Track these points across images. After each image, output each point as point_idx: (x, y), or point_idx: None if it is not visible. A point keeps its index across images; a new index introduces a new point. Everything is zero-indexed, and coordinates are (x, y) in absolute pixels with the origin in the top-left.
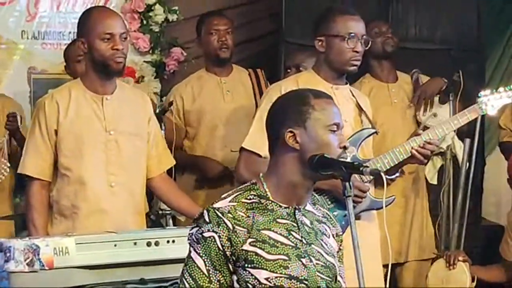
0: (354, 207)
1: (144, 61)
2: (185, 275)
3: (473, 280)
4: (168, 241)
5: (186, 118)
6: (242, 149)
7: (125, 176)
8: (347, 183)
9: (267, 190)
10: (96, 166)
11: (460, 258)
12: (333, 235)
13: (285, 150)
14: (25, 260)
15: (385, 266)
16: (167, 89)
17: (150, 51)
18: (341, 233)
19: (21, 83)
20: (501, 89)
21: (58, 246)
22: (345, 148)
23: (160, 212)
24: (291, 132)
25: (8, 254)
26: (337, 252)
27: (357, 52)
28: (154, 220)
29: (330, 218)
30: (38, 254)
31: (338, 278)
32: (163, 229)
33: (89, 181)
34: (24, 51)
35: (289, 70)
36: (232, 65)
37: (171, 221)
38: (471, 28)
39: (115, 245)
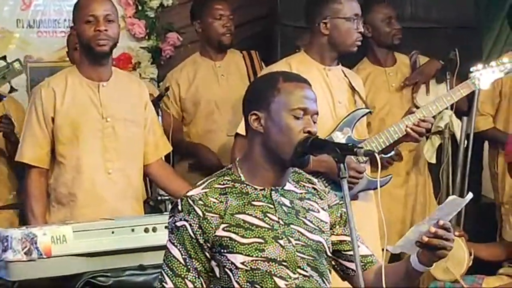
0: (351, 188)
1: (140, 47)
2: (163, 266)
3: (470, 255)
4: (166, 227)
5: (183, 104)
6: (237, 134)
7: (122, 162)
8: (341, 165)
9: (241, 174)
10: (93, 153)
11: (456, 234)
12: (323, 208)
13: (252, 134)
14: (22, 249)
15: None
16: (164, 74)
17: (146, 37)
18: (335, 203)
19: None
20: (493, 63)
21: (56, 235)
22: (310, 133)
23: (159, 198)
24: (255, 115)
25: (5, 244)
26: (337, 223)
27: (360, 32)
28: (153, 206)
29: (318, 191)
30: (36, 243)
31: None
32: (160, 215)
33: (86, 168)
34: (19, 39)
35: (297, 50)
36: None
37: (169, 206)
38: (468, 5)
39: (113, 232)
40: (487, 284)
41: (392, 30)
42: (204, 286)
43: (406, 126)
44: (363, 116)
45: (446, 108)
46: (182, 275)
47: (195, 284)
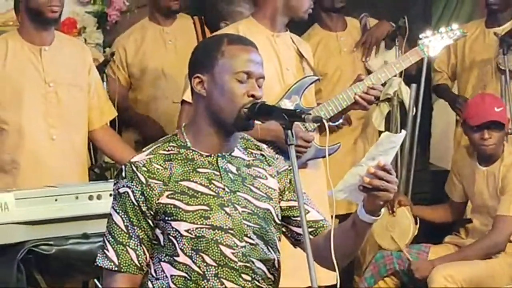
0: (299, 157)
1: (86, 12)
2: (106, 233)
3: (416, 224)
4: (110, 194)
5: (130, 70)
6: (183, 101)
7: (66, 128)
8: (289, 131)
9: (187, 139)
10: (36, 118)
11: (398, 204)
12: (271, 175)
13: (196, 98)
14: None
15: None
16: (110, 40)
17: (92, 1)
18: (284, 169)
19: None
20: (442, 29)
21: None
22: (253, 97)
23: (104, 165)
24: (199, 78)
25: None
26: (287, 188)
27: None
28: (98, 173)
29: (267, 158)
30: None
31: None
32: (105, 182)
33: (29, 134)
34: None
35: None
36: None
37: (115, 174)
38: None
39: (56, 200)
40: (433, 253)
41: None
42: (147, 254)
43: (355, 94)
44: (311, 83)
45: (395, 75)
46: (124, 243)
47: (137, 252)
